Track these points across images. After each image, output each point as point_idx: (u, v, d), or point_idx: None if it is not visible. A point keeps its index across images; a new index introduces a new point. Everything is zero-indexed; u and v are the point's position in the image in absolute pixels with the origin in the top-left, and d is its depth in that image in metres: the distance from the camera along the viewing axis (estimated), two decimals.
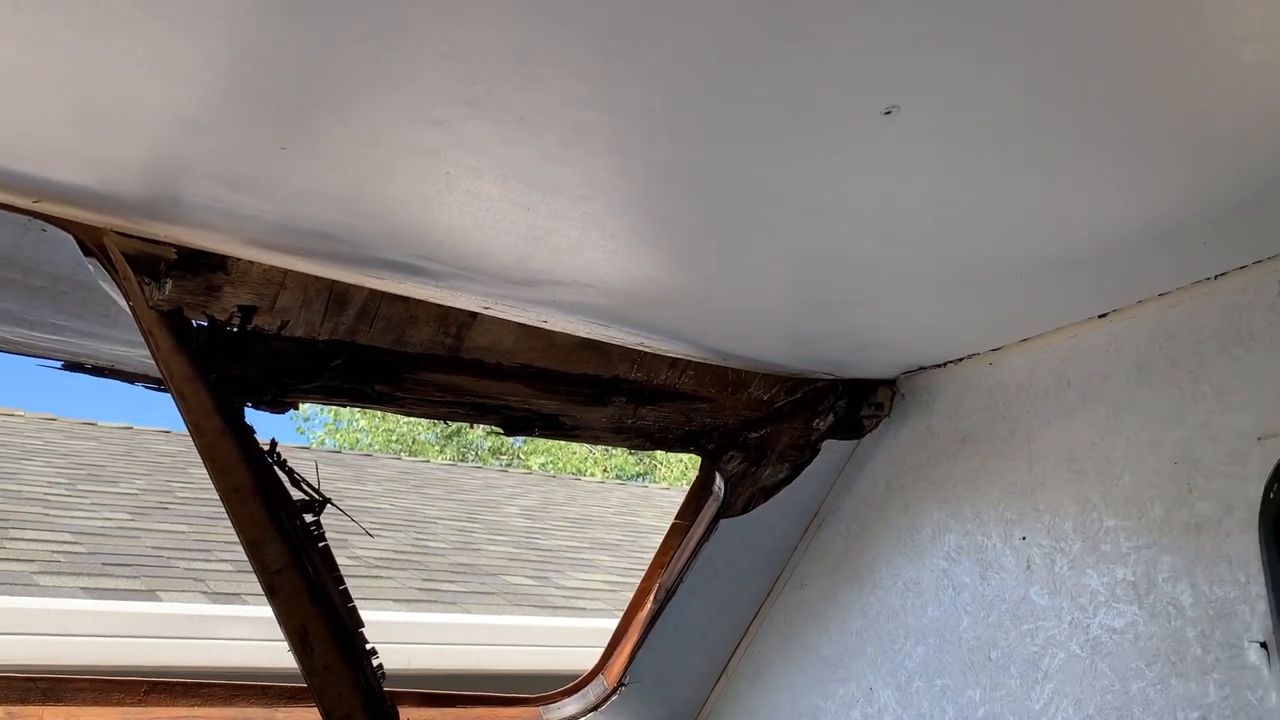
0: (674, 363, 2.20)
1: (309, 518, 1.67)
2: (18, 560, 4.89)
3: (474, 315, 1.95)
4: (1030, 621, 2.09)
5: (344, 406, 1.96)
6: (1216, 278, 1.87)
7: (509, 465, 18.53)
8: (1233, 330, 1.85)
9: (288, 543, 1.51)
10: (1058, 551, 2.06)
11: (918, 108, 1.26)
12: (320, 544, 1.66)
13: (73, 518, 6.11)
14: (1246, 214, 1.65)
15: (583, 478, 14.56)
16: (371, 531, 6.79)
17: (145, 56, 1.13)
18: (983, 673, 2.16)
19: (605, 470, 19.20)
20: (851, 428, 2.42)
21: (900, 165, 1.41)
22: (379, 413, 18.48)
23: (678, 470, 19.25)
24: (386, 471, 10.70)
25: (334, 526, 5.31)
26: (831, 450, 2.46)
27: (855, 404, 2.40)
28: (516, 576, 6.53)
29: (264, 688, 2.31)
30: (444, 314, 1.92)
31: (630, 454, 19.30)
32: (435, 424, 18.96)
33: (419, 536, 7.37)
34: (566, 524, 9.31)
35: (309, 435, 19.90)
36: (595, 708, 2.64)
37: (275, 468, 1.64)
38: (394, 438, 18.97)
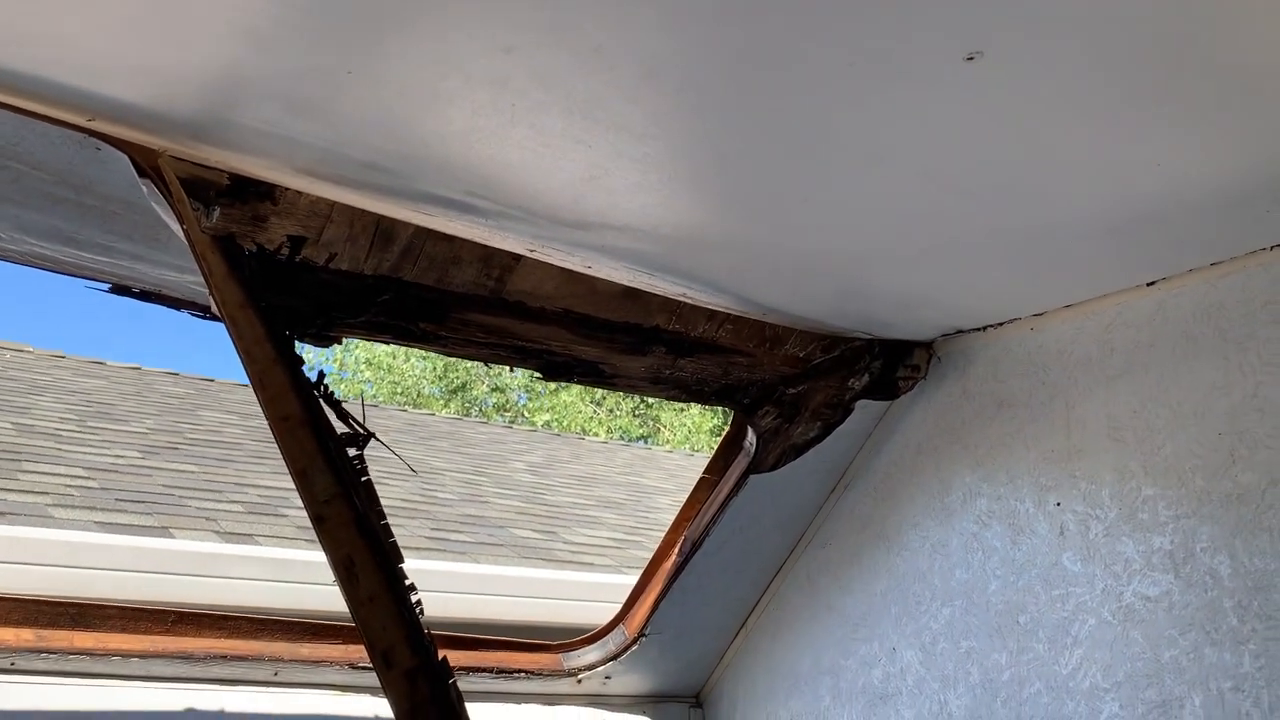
0: (712, 315, 2.18)
1: (353, 451, 1.66)
2: (32, 492, 4.91)
3: (517, 258, 1.93)
4: (1061, 587, 2.09)
5: (386, 343, 1.95)
6: (1272, 248, 1.85)
7: (513, 422, 18.57)
8: None
9: (335, 474, 1.50)
10: (1093, 518, 2.05)
11: (1001, 54, 1.24)
12: (364, 478, 1.65)
13: (84, 453, 6.12)
14: None
15: (587, 437, 14.60)
16: (383, 479, 6.78)
17: None
18: (1010, 636, 2.16)
19: (609, 431, 19.24)
20: (886, 388, 2.41)
21: (976, 116, 1.38)
22: (392, 361, 18.47)
23: (680, 435, 19.27)
24: (393, 422, 10.70)
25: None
26: (864, 410, 2.45)
27: (891, 365, 2.39)
28: (524, 530, 6.55)
29: (289, 623, 2.32)
30: (488, 255, 1.91)
31: (633, 417, 19.34)
32: (440, 378, 18.98)
33: (426, 487, 7.39)
34: (573, 481, 9.33)
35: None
36: (615, 656, 2.66)
37: (321, 400, 1.63)
38: (398, 390, 18.98)
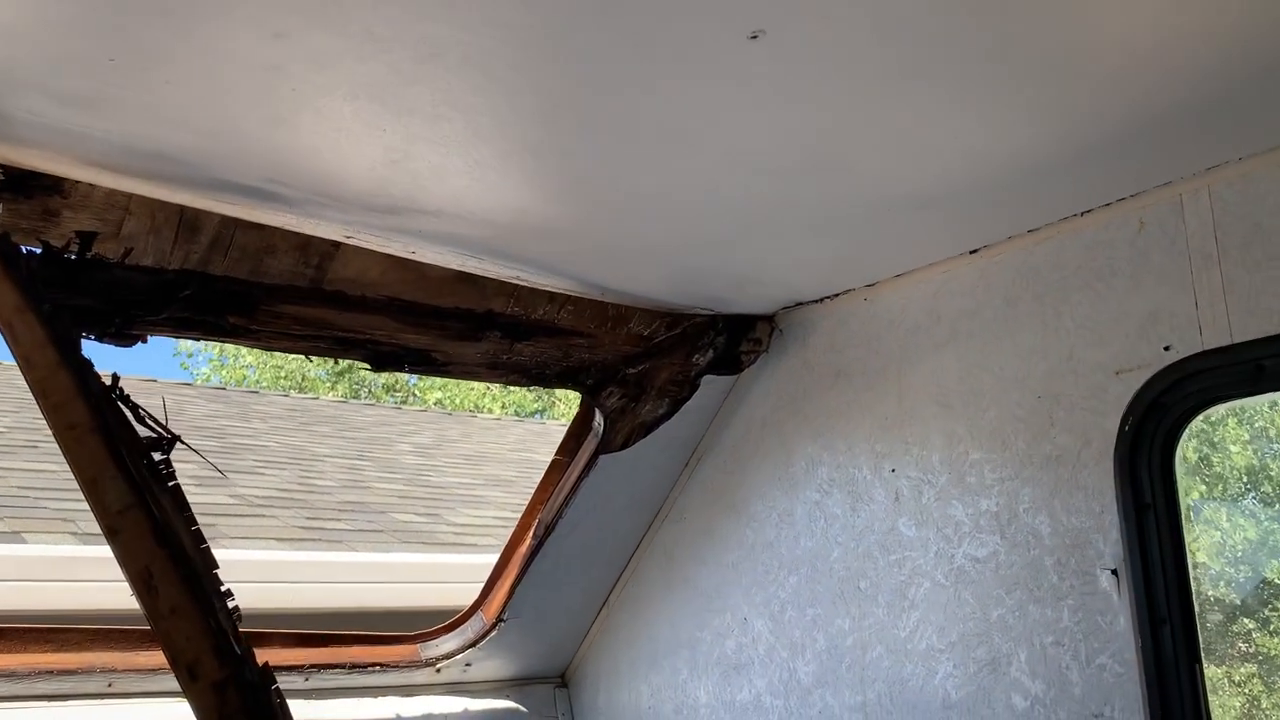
0: (553, 297, 2.15)
1: (157, 456, 1.58)
2: None
3: (337, 245, 1.87)
4: (898, 552, 2.13)
5: (196, 340, 1.87)
6: (1083, 214, 1.90)
7: (404, 402, 18.28)
8: (1096, 266, 1.89)
9: (130, 482, 1.43)
10: (925, 484, 2.10)
11: (784, 32, 1.23)
12: (170, 483, 1.58)
13: None
14: (1110, 153, 1.67)
15: (479, 414, 14.47)
16: (242, 472, 6.63)
17: None
18: (852, 602, 2.20)
19: (504, 406, 19.09)
20: (730, 363, 2.41)
21: (767, 94, 1.37)
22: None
23: (575, 407, 19.24)
24: (273, 409, 10.43)
25: (217, 453, 5.13)
26: (711, 386, 2.45)
27: (734, 339, 2.40)
28: (406, 514, 6.45)
29: (124, 631, 2.22)
30: (305, 243, 1.84)
31: (528, 391, 19.22)
32: (326, 360, 18.52)
33: (305, 475, 7.22)
34: (460, 461, 9.23)
35: (193, 371, 19.27)
36: (474, 643, 2.63)
37: (119, 404, 1.55)
38: (282, 374, 18.50)
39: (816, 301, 2.35)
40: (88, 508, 1.57)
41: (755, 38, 1.23)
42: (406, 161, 1.51)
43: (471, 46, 1.22)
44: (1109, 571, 1.82)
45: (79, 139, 1.47)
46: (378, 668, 2.53)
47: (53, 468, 5.88)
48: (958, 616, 2.02)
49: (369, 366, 1.98)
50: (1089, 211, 1.90)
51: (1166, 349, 1.78)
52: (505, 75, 1.31)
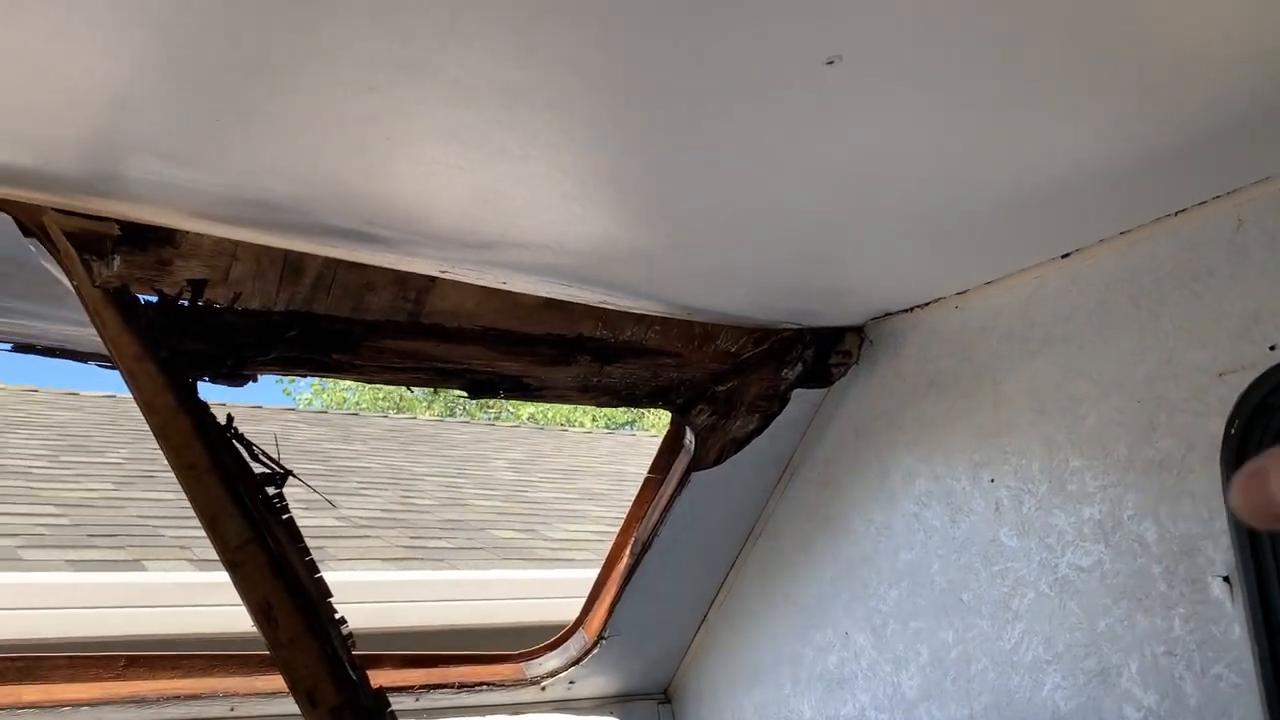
0: (640, 319, 2.19)
1: (270, 490, 1.66)
2: (2, 535, 4.89)
3: (433, 279, 1.93)
4: (1000, 563, 2.10)
5: (304, 376, 1.95)
6: (1177, 214, 1.86)
7: (497, 418, 18.55)
8: (1193, 266, 1.85)
9: (247, 518, 1.50)
10: (1025, 493, 2.07)
11: (860, 56, 1.24)
12: (283, 516, 1.65)
13: (57, 490, 6.10)
14: (1205, 149, 1.63)
15: (571, 428, 14.61)
16: (346, 494, 6.80)
17: (56, 33, 1.09)
18: (955, 614, 2.18)
19: (594, 420, 19.24)
20: (820, 376, 2.41)
21: (847, 115, 1.38)
22: None
23: (666, 417, 19.28)
24: (373, 430, 10.71)
25: (322, 490, 5.29)
26: (801, 399, 2.46)
27: (823, 352, 2.40)
28: (504, 530, 6.56)
29: (243, 657, 2.32)
30: (402, 279, 1.90)
31: None
32: None
33: (406, 494, 7.39)
34: (555, 475, 9.34)
35: (295, 397, 19.86)
36: (577, 661, 2.67)
37: (234, 442, 1.63)
38: (381, 395, 18.94)
39: (906, 311, 2.34)
40: (203, 535, 1.66)
41: (832, 63, 1.24)
42: (496, 199, 1.56)
43: (553, 90, 1.26)
44: (1221, 579, 1.77)
45: (188, 193, 1.55)
46: (485, 686, 2.58)
47: (168, 496, 6.13)
48: (1064, 627, 1.98)
49: (467, 395, 2.04)
50: (1183, 211, 1.85)
51: (1272, 348, 1.73)
52: (586, 114, 1.34)
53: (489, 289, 1.99)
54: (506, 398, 2.10)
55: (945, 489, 2.23)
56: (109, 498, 6.04)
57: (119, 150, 1.40)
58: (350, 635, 1.67)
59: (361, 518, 6.28)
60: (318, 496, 6.11)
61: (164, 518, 5.54)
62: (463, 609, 4.79)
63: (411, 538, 6.01)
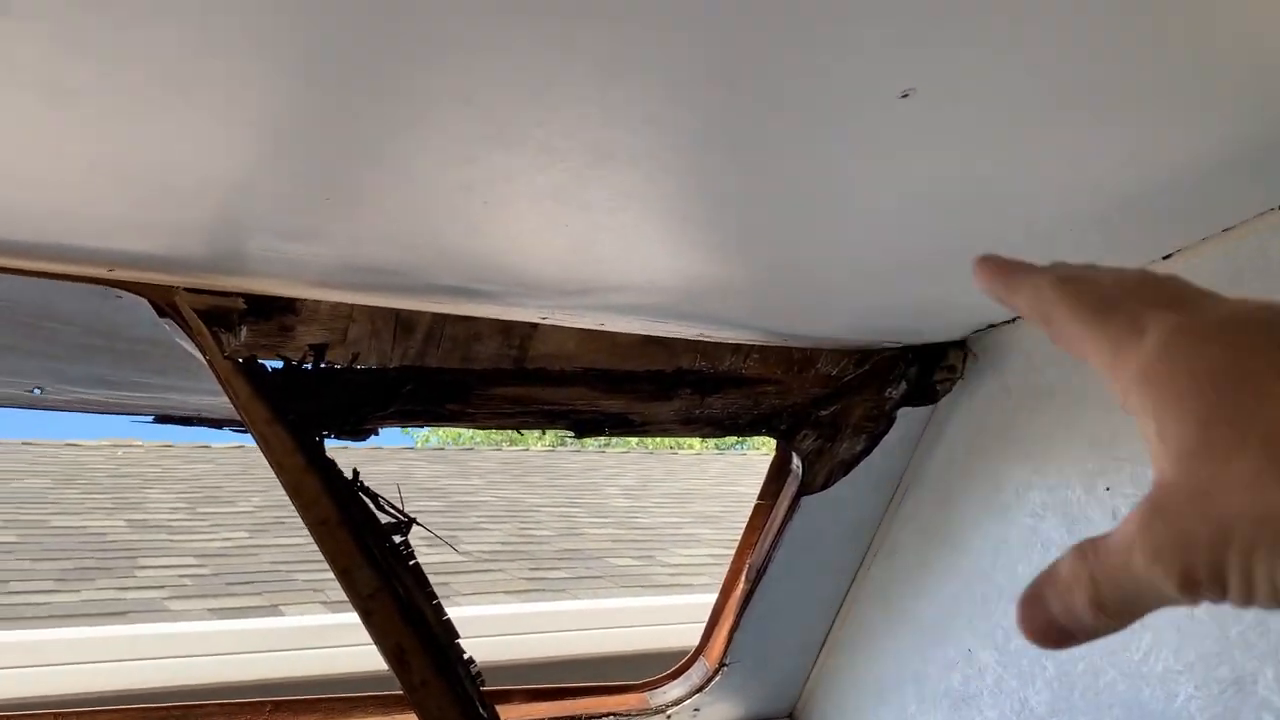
0: (737, 348, 2.22)
1: (397, 539, 1.74)
2: (149, 587, 5.17)
3: (534, 326, 2.00)
4: None
5: (419, 427, 2.04)
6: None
7: (607, 445, 18.71)
8: None
9: (377, 567, 1.58)
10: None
11: (935, 89, 1.26)
12: (410, 563, 1.73)
13: (195, 541, 6.41)
14: None
15: (680, 451, 14.65)
16: (466, 529, 6.94)
17: (182, 135, 1.19)
18: None
19: (703, 441, 19.24)
20: (925, 394, 2.41)
21: (925, 144, 1.40)
22: None
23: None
24: (488, 463, 10.94)
25: (443, 525, 5.46)
26: (908, 417, 2.45)
27: (927, 369, 2.39)
28: (621, 558, 6.63)
29: (380, 697, 2.41)
30: (506, 327, 1.98)
31: None
32: None
33: (523, 526, 7.53)
34: (667, 500, 9.39)
35: (413, 435, 20.36)
36: (700, 689, 2.70)
37: (361, 495, 1.72)
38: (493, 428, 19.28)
39: (1008, 322, 2.32)
40: (331, 577, 1.76)
41: (906, 96, 1.27)
42: (589, 249, 1.62)
43: (638, 147, 1.32)
44: None
45: (305, 265, 1.66)
46: (610, 717, 2.63)
47: (298, 541, 6.38)
48: (1193, 636, 1.94)
49: (573, 435, 2.11)
50: None
51: None
52: (671, 165, 1.39)
53: (588, 331, 2.05)
54: (611, 435, 2.16)
55: (1060, 500, 2.20)
56: (244, 546, 6.32)
57: (242, 232, 1.51)
58: (479, 674, 1.73)
59: (483, 552, 6.42)
60: (440, 531, 6.26)
61: (296, 562, 5.77)
62: (585, 639, 4.87)
63: (532, 569, 6.12)
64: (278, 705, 2.32)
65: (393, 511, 1.75)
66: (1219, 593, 0.52)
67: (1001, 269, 0.71)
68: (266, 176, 1.34)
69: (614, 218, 1.52)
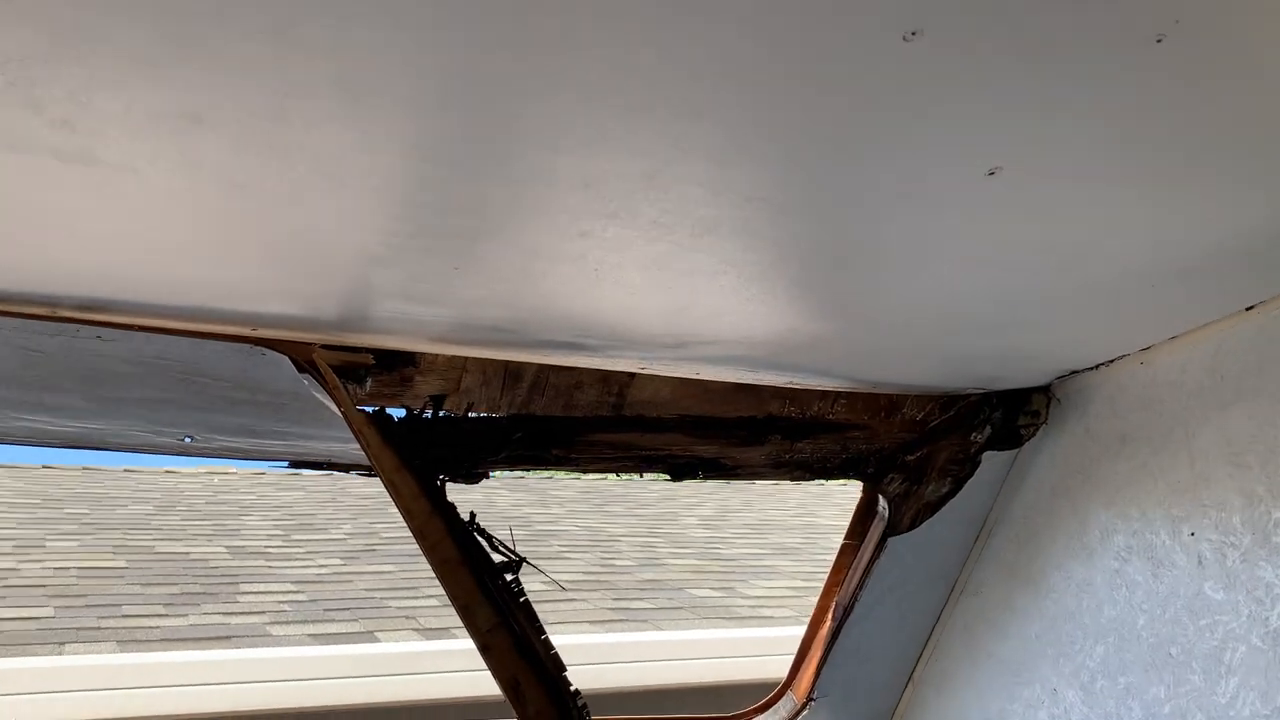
0: (825, 394, 2.31)
1: (509, 577, 1.87)
2: (251, 613, 5.39)
3: (632, 375, 2.12)
4: (1207, 616, 2.10)
5: (527, 471, 2.17)
6: None
7: None
8: None
9: (494, 604, 1.71)
10: (1228, 545, 2.06)
11: (1020, 166, 1.35)
12: (521, 599, 1.86)
13: (292, 568, 6.65)
14: None
15: (757, 481, 14.63)
16: (549, 558, 7.06)
17: (334, 218, 1.34)
18: (1165, 669, 2.18)
19: None
20: (1010, 438, 2.47)
21: (1010, 214, 1.49)
22: None
23: None
24: (567, 493, 11.09)
25: (528, 553, 5.52)
26: (992, 460, 2.51)
27: (1011, 414, 2.46)
28: (701, 589, 6.70)
29: None
30: (605, 376, 2.11)
31: None
32: None
33: (605, 556, 7.65)
34: (746, 531, 9.43)
35: None
36: None
37: (477, 536, 1.85)
38: None
39: (1092, 369, 2.37)
40: (425, 605, 1.88)
41: (993, 174, 1.36)
42: (689, 309, 1.74)
43: (738, 220, 1.43)
44: None
45: (427, 324, 1.80)
46: None
47: (390, 569, 6.59)
48: None
49: (669, 477, 2.22)
50: None
51: None
52: (769, 234, 1.50)
53: (683, 379, 2.16)
54: (705, 478, 2.26)
55: (1145, 544, 2.24)
56: (339, 573, 6.54)
57: (375, 297, 1.66)
58: (585, 705, 1.85)
59: (567, 580, 6.55)
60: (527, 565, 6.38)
61: (389, 589, 5.97)
62: (668, 670, 4.95)
63: (614, 599, 6.23)
64: None
65: (505, 551, 1.88)
66: None
67: None
68: (404, 252, 1.49)
69: (713, 281, 1.63)
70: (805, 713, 2.75)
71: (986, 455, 2.49)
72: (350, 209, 1.34)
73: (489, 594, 1.72)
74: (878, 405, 2.37)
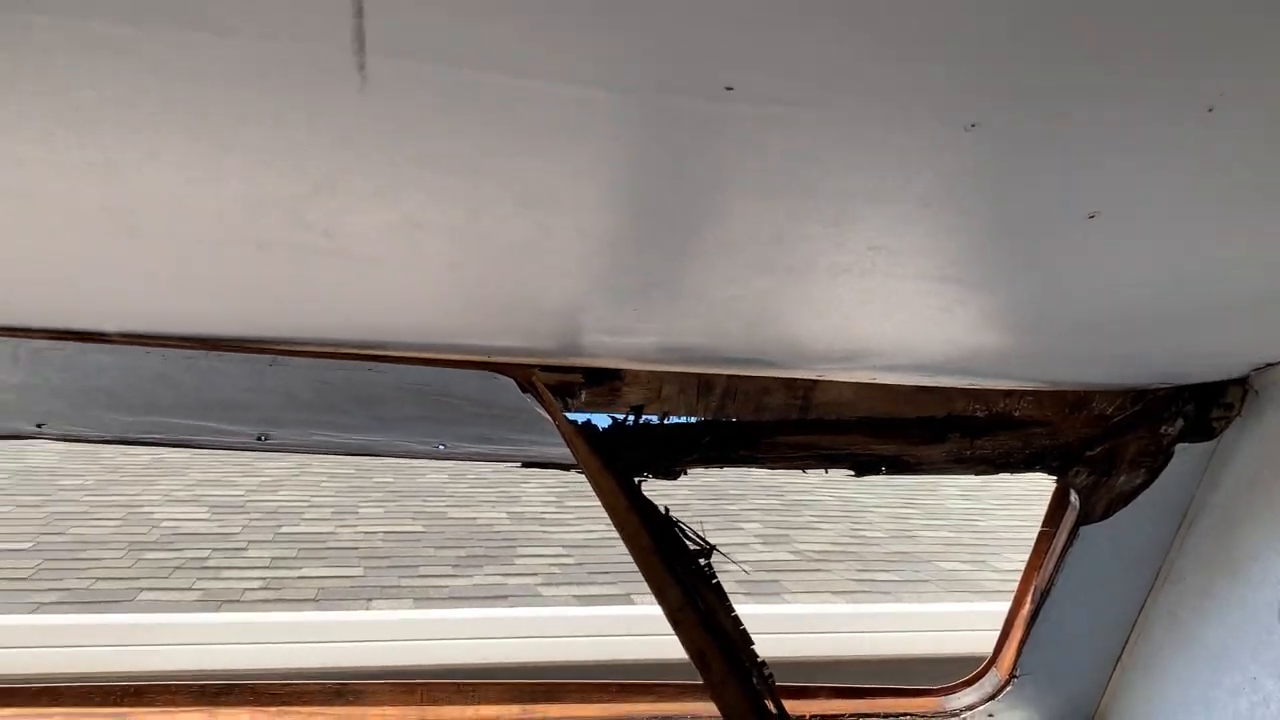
0: (1009, 393, 2.45)
1: (702, 562, 2.17)
2: (525, 574, 6.03)
3: (815, 381, 2.36)
4: None
5: (719, 468, 2.47)
6: None
7: None
8: None
9: (682, 587, 2.02)
10: None
11: (1115, 212, 1.49)
12: (712, 581, 2.16)
13: (563, 533, 7.29)
14: None
15: (941, 475, 14.15)
16: (799, 528, 7.29)
17: (544, 272, 1.69)
18: None
19: None
20: (1202, 430, 2.50)
21: (1112, 259, 1.62)
22: None
23: None
24: None
25: (776, 523, 5.85)
26: (1187, 452, 2.55)
27: (1204, 406, 2.48)
28: (951, 562, 6.75)
29: (685, 686, 2.87)
30: (790, 382, 2.36)
31: None
32: None
33: (855, 527, 7.81)
34: (1007, 501, 9.27)
35: None
36: (992, 697, 2.92)
37: (672, 527, 2.17)
38: None
39: None
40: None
41: (1093, 217, 1.51)
42: (849, 328, 1.96)
43: (905, 246, 1.65)
44: None
45: (628, 348, 2.13)
46: (908, 717, 2.93)
47: None
48: None
49: (852, 474, 2.44)
50: None
51: None
52: (939, 269, 1.71)
53: (865, 383, 2.38)
54: (887, 474, 2.46)
55: None
56: (603, 538, 7.11)
57: (581, 331, 2.00)
58: (770, 674, 2.13)
59: (814, 551, 6.79)
60: (775, 531, 6.69)
61: None
62: (911, 640, 5.11)
63: (860, 571, 6.42)
64: (623, 688, 2.84)
65: (696, 540, 2.18)
66: None
67: None
68: (603, 296, 1.81)
69: (864, 305, 1.85)
70: (1009, 689, 2.89)
71: (1181, 447, 2.53)
72: (566, 268, 1.68)
73: (678, 577, 2.02)
74: (1063, 402, 2.47)
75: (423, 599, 5.34)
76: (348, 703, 2.74)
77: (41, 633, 4.24)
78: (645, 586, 5.64)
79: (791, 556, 6.49)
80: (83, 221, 1.50)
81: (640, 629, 4.98)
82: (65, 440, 2.09)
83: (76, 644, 4.21)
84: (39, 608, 4.80)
